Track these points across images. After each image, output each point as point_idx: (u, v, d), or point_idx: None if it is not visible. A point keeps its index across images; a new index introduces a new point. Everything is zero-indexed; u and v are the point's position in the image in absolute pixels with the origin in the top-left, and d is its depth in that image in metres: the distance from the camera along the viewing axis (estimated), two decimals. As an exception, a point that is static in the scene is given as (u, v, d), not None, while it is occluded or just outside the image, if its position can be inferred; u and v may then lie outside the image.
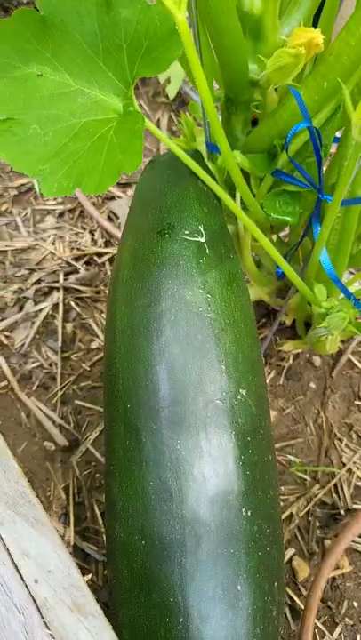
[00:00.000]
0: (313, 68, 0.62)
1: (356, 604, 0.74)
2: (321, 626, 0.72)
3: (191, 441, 0.56)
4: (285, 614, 0.73)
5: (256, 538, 0.56)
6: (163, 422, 0.56)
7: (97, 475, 0.83)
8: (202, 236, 0.64)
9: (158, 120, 1.38)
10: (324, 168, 0.73)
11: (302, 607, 0.73)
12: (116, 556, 0.58)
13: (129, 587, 0.56)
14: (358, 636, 0.71)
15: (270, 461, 0.61)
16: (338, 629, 0.72)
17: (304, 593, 0.75)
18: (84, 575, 0.70)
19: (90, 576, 0.71)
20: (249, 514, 0.56)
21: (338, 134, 0.71)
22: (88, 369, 0.94)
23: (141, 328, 0.60)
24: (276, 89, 0.72)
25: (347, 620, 0.72)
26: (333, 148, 0.74)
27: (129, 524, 0.56)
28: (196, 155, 0.73)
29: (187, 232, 0.63)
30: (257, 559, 0.56)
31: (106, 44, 0.59)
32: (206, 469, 0.55)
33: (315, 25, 0.65)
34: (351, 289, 0.75)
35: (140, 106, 1.40)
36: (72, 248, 1.10)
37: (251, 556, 0.55)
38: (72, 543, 0.76)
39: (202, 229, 0.64)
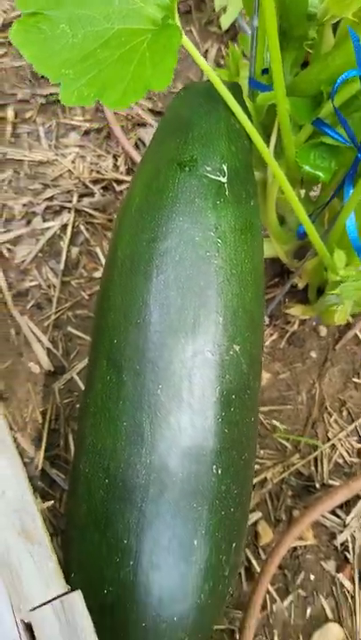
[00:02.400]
0: (380, 10, 0.56)
1: (312, 577, 0.73)
2: (273, 592, 0.72)
3: (173, 388, 0.53)
4: (240, 574, 0.73)
5: (222, 497, 0.54)
6: (147, 364, 0.54)
7: (77, 405, 0.81)
8: (224, 176, 0.59)
9: (207, 50, 1.29)
10: (370, 126, 0.67)
11: (258, 570, 0.73)
12: (77, 490, 0.56)
13: (85, 522, 0.55)
14: (309, 609, 0.71)
15: (252, 424, 0.59)
16: (290, 598, 0.71)
17: (263, 557, 0.74)
18: (47, 501, 0.70)
19: (52, 502, 0.71)
20: (219, 472, 0.54)
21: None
22: (87, 297, 0.91)
23: (142, 263, 0.56)
24: (334, 31, 0.66)
25: (300, 591, 0.72)
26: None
27: (96, 460, 0.55)
28: (235, 88, 0.68)
29: (209, 169, 0.59)
30: (219, 518, 0.54)
31: None
32: (183, 420, 0.53)
33: None
34: (372, 261, 0.71)
35: (190, 32, 1.31)
36: (91, 170, 1.04)
37: (213, 514, 0.54)
38: (40, 468, 0.75)
39: (225, 169, 0.59)
